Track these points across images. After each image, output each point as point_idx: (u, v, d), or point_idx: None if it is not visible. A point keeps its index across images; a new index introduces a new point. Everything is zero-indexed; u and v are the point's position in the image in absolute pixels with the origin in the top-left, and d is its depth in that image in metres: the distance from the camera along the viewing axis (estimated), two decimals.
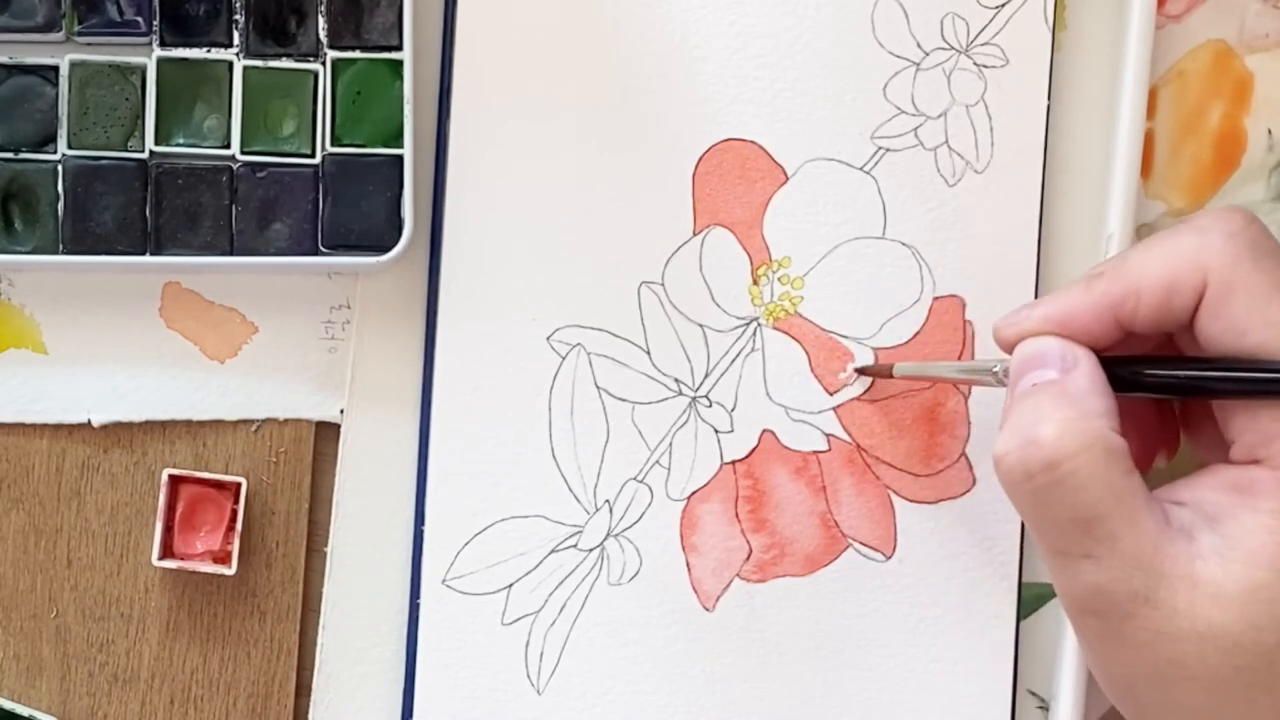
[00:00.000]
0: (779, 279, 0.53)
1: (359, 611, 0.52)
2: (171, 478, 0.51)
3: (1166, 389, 0.45)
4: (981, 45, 0.53)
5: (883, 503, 0.53)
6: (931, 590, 0.53)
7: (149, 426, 0.52)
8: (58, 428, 0.52)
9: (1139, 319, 0.45)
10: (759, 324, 0.53)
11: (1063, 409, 0.44)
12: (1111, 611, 0.43)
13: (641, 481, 0.52)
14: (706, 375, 0.53)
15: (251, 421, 0.53)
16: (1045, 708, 0.53)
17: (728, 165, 0.53)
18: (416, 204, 0.51)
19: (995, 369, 0.48)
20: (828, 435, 0.53)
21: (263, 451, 0.53)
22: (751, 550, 0.53)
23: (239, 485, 0.51)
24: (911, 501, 0.53)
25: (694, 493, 0.53)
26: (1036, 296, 0.53)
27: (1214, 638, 0.42)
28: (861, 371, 0.52)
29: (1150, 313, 0.45)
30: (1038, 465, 0.43)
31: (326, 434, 0.53)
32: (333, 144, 0.51)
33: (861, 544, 0.53)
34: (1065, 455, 0.43)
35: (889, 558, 0.53)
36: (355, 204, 0.51)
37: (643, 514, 0.52)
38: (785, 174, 0.53)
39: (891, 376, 0.52)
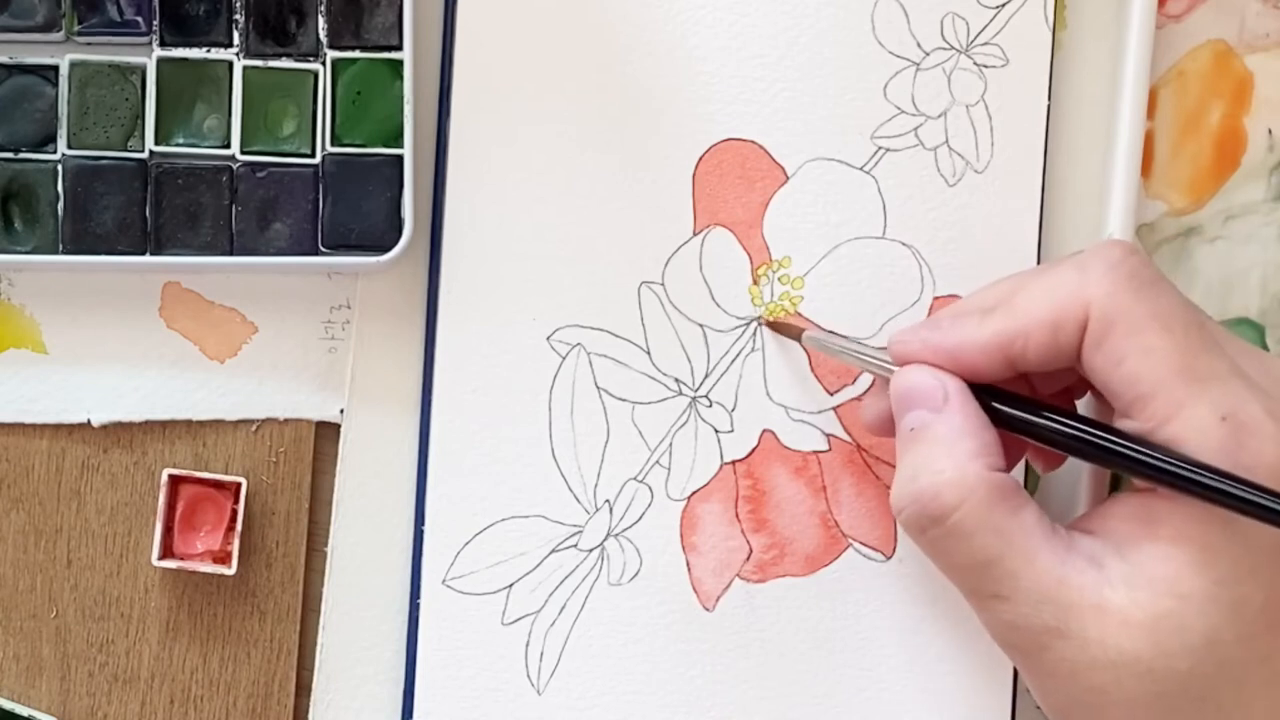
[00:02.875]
0: (779, 279, 0.53)
1: (359, 611, 0.52)
2: (171, 478, 0.51)
3: (1041, 438, 0.46)
4: (981, 45, 0.53)
5: (883, 503, 0.53)
6: (931, 590, 0.53)
7: (149, 426, 0.52)
8: (58, 428, 0.52)
9: (1029, 358, 0.45)
10: (759, 324, 0.53)
11: (939, 458, 0.45)
12: (1029, 645, 0.44)
13: (641, 481, 0.52)
14: (706, 375, 0.53)
15: (251, 421, 0.53)
16: None
17: (728, 165, 0.53)
18: (416, 204, 0.51)
19: (889, 366, 0.48)
20: (828, 435, 0.53)
21: (263, 451, 0.53)
22: (751, 550, 0.53)
23: (239, 485, 0.51)
24: None
25: (694, 493, 0.53)
26: None
27: (1126, 665, 0.43)
28: (770, 325, 0.52)
29: (1039, 351, 0.45)
30: (926, 521, 0.45)
31: (326, 434, 0.53)
32: (333, 144, 0.51)
33: (861, 544, 0.53)
34: (948, 509, 0.44)
35: (889, 558, 0.53)
36: (355, 204, 0.51)
37: (643, 514, 0.52)
38: (785, 174, 0.53)
39: (799, 341, 0.52)
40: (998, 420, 0.46)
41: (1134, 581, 0.43)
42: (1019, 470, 0.52)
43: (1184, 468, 0.42)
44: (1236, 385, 0.43)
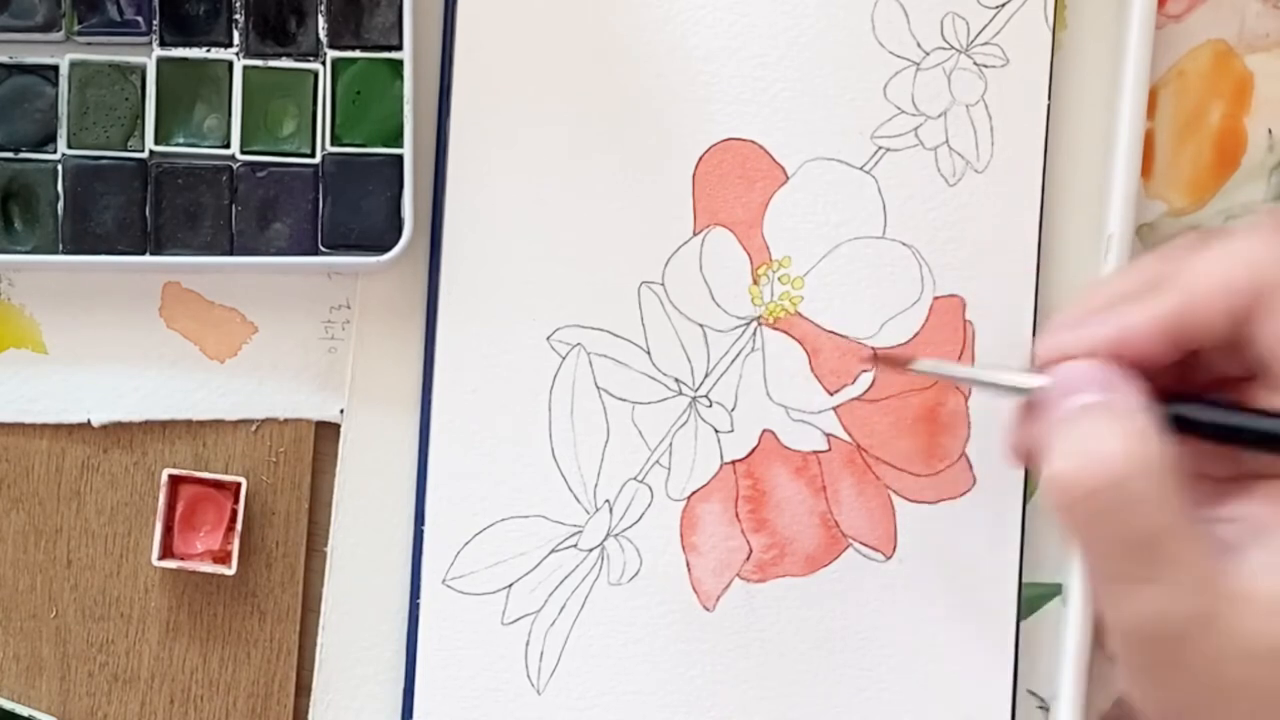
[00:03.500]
0: (779, 279, 0.53)
1: (359, 611, 0.52)
2: (171, 478, 0.51)
3: (1219, 435, 0.44)
4: (981, 45, 0.53)
5: (883, 503, 0.53)
6: (931, 590, 0.53)
7: (149, 426, 0.52)
8: (58, 428, 0.52)
9: (1198, 333, 0.44)
10: (759, 324, 0.53)
11: (1120, 425, 0.43)
12: (1170, 635, 0.42)
13: (641, 481, 0.52)
14: (706, 375, 0.53)
15: (251, 421, 0.53)
16: (1045, 708, 0.53)
17: (728, 165, 0.53)
18: (416, 204, 0.51)
19: (1020, 383, 0.46)
20: (828, 435, 0.53)
21: (263, 451, 0.53)
22: (751, 550, 0.53)
23: (239, 485, 0.51)
24: (911, 501, 0.53)
25: (694, 493, 0.53)
26: (1037, 297, 0.53)
27: (1274, 654, 0.41)
28: (876, 361, 0.52)
29: (1211, 323, 0.43)
30: (1103, 483, 0.42)
31: (326, 434, 0.53)
32: (333, 144, 0.51)
33: (861, 544, 0.53)
34: (1131, 472, 0.42)
35: (889, 558, 0.53)
36: (355, 204, 0.51)
37: (643, 514, 0.52)
38: (785, 174, 0.53)
39: (907, 370, 0.50)
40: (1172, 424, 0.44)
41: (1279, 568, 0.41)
42: (1018, 475, 0.52)
43: None
44: None
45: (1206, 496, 0.45)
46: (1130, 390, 0.44)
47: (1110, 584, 0.43)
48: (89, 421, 0.52)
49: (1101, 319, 0.45)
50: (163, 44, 0.51)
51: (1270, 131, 0.54)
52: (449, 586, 0.52)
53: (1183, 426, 0.44)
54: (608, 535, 0.52)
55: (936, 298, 0.53)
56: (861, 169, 0.53)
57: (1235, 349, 0.45)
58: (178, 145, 0.51)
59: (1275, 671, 0.41)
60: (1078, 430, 0.43)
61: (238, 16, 0.51)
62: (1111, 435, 0.42)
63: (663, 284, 0.53)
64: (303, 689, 0.53)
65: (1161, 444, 0.42)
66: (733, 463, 0.53)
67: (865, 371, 0.53)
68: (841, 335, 0.53)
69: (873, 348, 0.52)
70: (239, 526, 0.51)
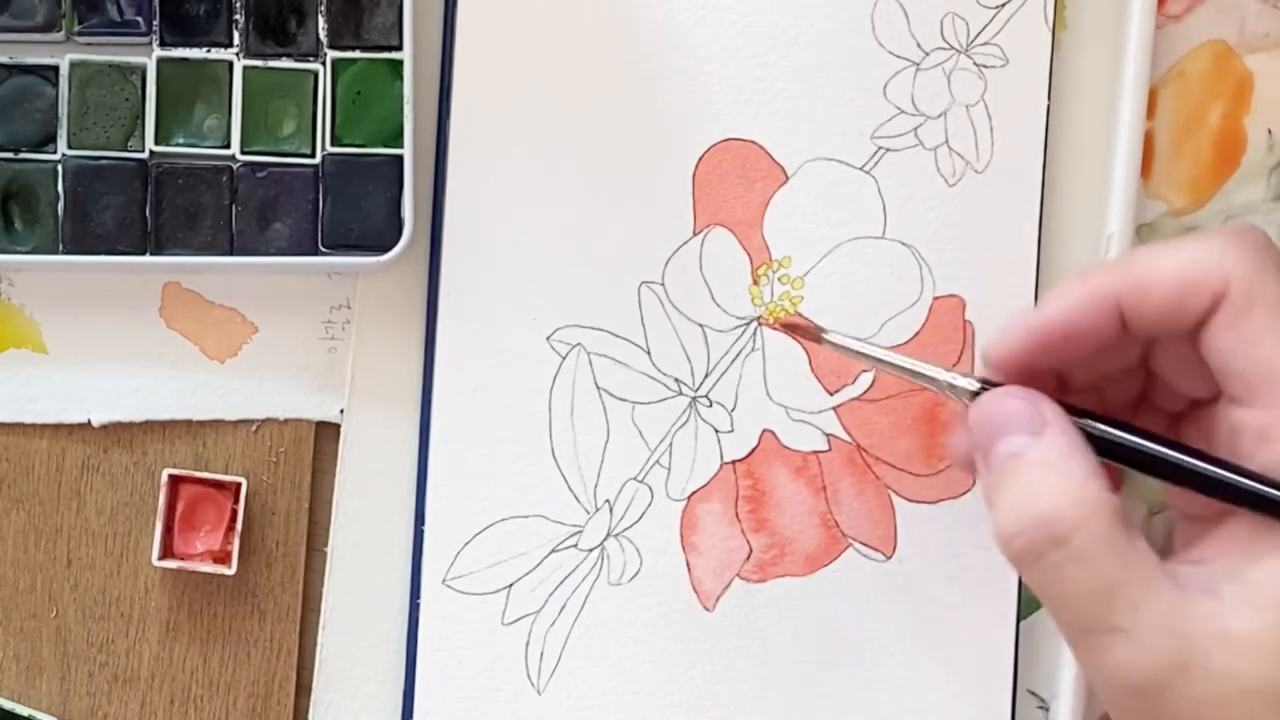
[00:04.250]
0: (779, 279, 0.53)
1: (359, 611, 0.52)
2: (171, 478, 0.51)
3: (1146, 467, 0.44)
4: (981, 45, 0.53)
5: (883, 503, 0.53)
6: (931, 590, 0.53)
7: (149, 426, 0.52)
8: (58, 428, 0.52)
9: (1146, 314, 0.43)
10: (759, 324, 0.53)
11: (1055, 480, 0.42)
12: (1149, 685, 0.41)
13: (641, 481, 0.52)
14: (706, 375, 0.53)
15: (251, 421, 0.53)
16: (1045, 708, 0.53)
17: (728, 165, 0.53)
18: (416, 204, 0.51)
19: (944, 379, 0.47)
20: (828, 435, 0.53)
21: (263, 451, 0.53)
22: (751, 550, 0.53)
23: (239, 485, 0.51)
24: (911, 501, 0.53)
25: (694, 492, 0.53)
26: (1036, 297, 0.53)
27: (1259, 693, 0.40)
28: (784, 327, 0.51)
29: (1159, 310, 0.43)
30: (1047, 544, 0.42)
31: (326, 434, 0.53)
32: (333, 144, 0.51)
33: (861, 544, 0.53)
34: (1071, 528, 0.41)
35: (889, 558, 0.53)
36: (355, 204, 0.51)
37: (643, 514, 0.52)
38: (785, 174, 0.53)
39: (819, 342, 0.50)
40: (1102, 451, 0.43)
41: (1255, 603, 0.41)
42: None
43: None
44: None
45: (1186, 537, 0.45)
46: (1062, 430, 0.43)
47: (1079, 638, 0.43)
48: (89, 421, 0.52)
49: (1045, 304, 0.45)
50: (163, 44, 0.51)
51: (1270, 131, 0.54)
52: (449, 586, 0.52)
53: (1104, 451, 0.43)
54: (608, 535, 0.52)
55: (936, 298, 0.53)
56: (861, 169, 0.53)
57: (1195, 363, 0.45)
58: (178, 145, 0.51)
59: (1264, 707, 0.41)
60: (1015, 486, 0.43)
61: (238, 16, 0.51)
62: (1050, 492, 0.42)
63: (663, 284, 0.53)
64: (303, 689, 0.53)
65: (1101, 490, 0.42)
66: (733, 463, 0.53)
67: (865, 371, 0.53)
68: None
69: (785, 319, 0.52)
70: (239, 526, 0.51)
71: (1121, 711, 0.43)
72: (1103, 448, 0.44)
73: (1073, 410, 0.44)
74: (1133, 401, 0.48)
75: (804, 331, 0.51)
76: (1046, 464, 0.43)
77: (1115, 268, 0.44)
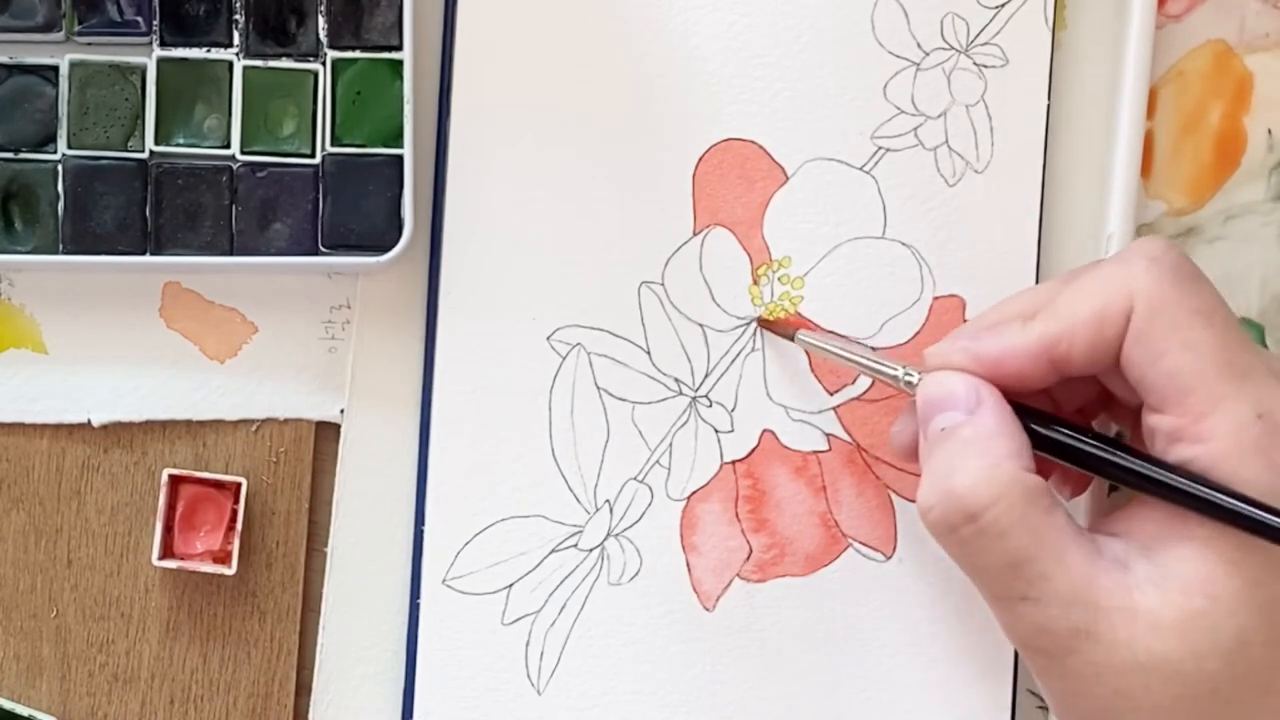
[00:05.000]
0: (779, 279, 0.53)
1: (359, 611, 0.52)
2: (171, 478, 0.51)
3: (1073, 458, 0.46)
4: (981, 45, 0.53)
5: (883, 503, 0.53)
6: (931, 590, 0.53)
7: (149, 426, 0.52)
8: (58, 428, 0.52)
9: (1075, 357, 0.45)
10: (755, 324, 0.53)
11: (974, 457, 0.44)
12: (1055, 649, 0.44)
13: (641, 481, 0.52)
14: (706, 375, 0.53)
15: (251, 421, 0.53)
16: (1045, 708, 0.53)
17: (728, 165, 0.53)
18: (416, 204, 0.51)
19: (899, 372, 0.48)
20: (828, 435, 0.53)
21: (263, 451, 0.53)
22: (751, 550, 0.53)
23: (239, 485, 0.51)
24: (911, 501, 0.53)
25: (694, 492, 0.53)
26: None
27: (1156, 668, 0.42)
28: (764, 324, 0.52)
29: (1085, 348, 0.45)
30: (959, 518, 0.44)
31: (326, 434, 0.53)
32: (333, 144, 0.51)
33: (861, 544, 0.53)
34: (982, 505, 0.43)
35: (889, 558, 0.53)
36: (355, 204, 0.51)
37: (643, 514, 0.52)
38: (785, 174, 0.53)
39: (792, 340, 0.51)
40: (1036, 444, 0.45)
41: (1163, 583, 0.43)
42: None
43: (1221, 499, 0.42)
44: (1273, 384, 0.43)
45: (1103, 513, 0.46)
46: (993, 411, 0.45)
47: (995, 601, 0.45)
48: (89, 421, 0.52)
49: (987, 336, 0.46)
50: (163, 44, 0.51)
51: (1270, 131, 0.54)
52: (449, 586, 0.52)
53: (1044, 448, 0.46)
54: (608, 535, 0.52)
55: (936, 298, 0.53)
56: (861, 169, 0.53)
57: (1085, 389, 0.48)
58: (178, 145, 0.51)
59: (1160, 683, 0.42)
60: (938, 460, 0.45)
61: (238, 16, 0.51)
62: (967, 469, 0.44)
63: (663, 284, 0.53)
64: (303, 689, 0.53)
65: (1019, 466, 0.44)
66: (733, 463, 0.53)
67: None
68: (841, 335, 0.53)
69: (759, 318, 0.52)
70: (239, 526, 0.51)
71: (1036, 670, 0.45)
72: (1040, 443, 0.45)
73: (1016, 408, 0.46)
74: (1093, 404, 0.49)
75: (779, 328, 0.52)
76: (970, 441, 0.45)
77: (1045, 318, 0.46)
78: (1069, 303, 0.45)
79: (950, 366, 0.46)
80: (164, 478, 0.51)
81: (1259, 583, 0.43)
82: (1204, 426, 0.43)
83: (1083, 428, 0.46)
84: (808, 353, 0.53)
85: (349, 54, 0.51)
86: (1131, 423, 0.48)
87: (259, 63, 0.51)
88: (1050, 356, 0.45)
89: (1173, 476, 0.43)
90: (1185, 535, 0.43)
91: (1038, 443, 0.45)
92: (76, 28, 0.51)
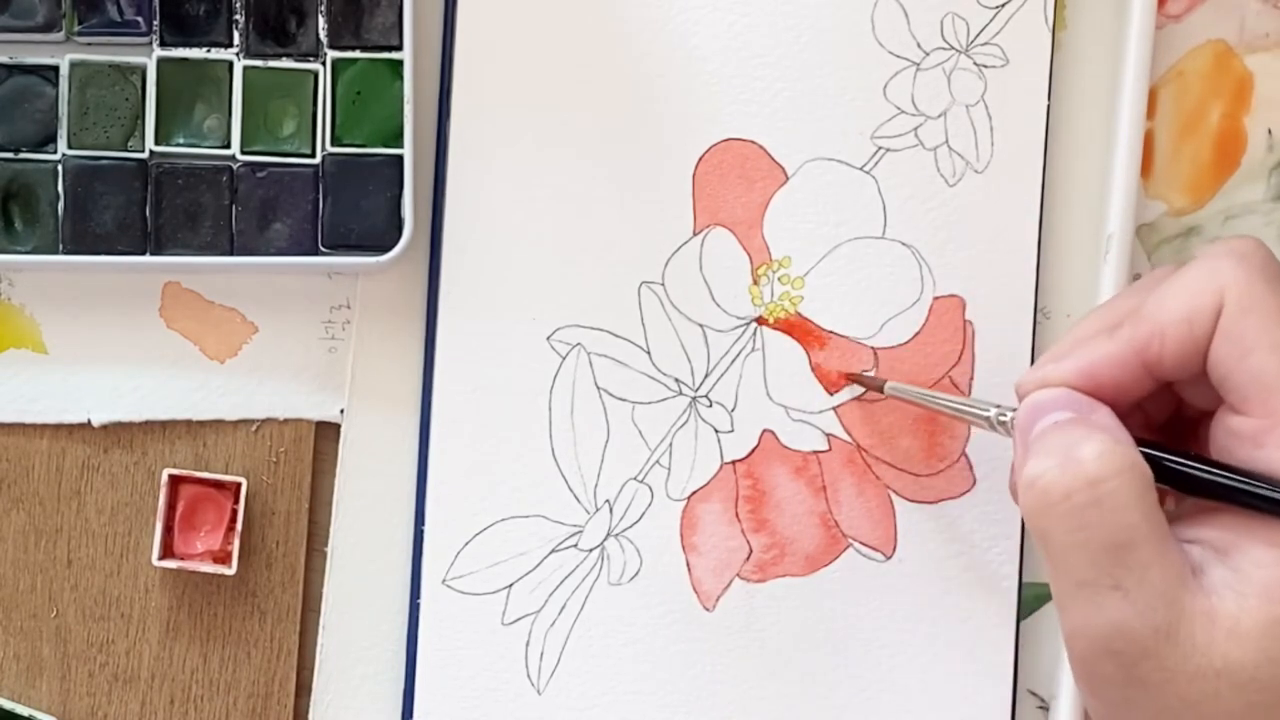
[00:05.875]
0: (779, 279, 0.53)
1: (359, 611, 0.52)
2: (171, 478, 0.51)
3: (1183, 484, 0.45)
4: (981, 45, 0.53)
5: (883, 503, 0.53)
6: (931, 590, 0.53)
7: (149, 426, 0.52)
8: (58, 428, 0.52)
9: (1166, 359, 0.44)
10: (758, 324, 0.53)
11: (1100, 432, 0.43)
12: (1130, 650, 0.42)
13: (641, 481, 0.52)
14: (706, 375, 0.53)
15: (251, 421, 0.53)
16: (1045, 708, 0.53)
17: (728, 165, 0.53)
18: (416, 204, 0.51)
19: (991, 414, 0.47)
20: (828, 435, 0.53)
21: (263, 451, 0.53)
22: (751, 550, 0.53)
23: (239, 485, 0.51)
24: (911, 501, 0.53)
25: (694, 493, 0.53)
26: (1037, 297, 0.53)
27: (1229, 674, 0.41)
28: (853, 379, 0.52)
29: (1176, 349, 0.44)
30: (1079, 482, 0.42)
31: (326, 434, 0.53)
32: (333, 144, 0.51)
33: (861, 544, 0.53)
34: (1108, 473, 0.42)
35: (889, 558, 0.53)
36: (355, 204, 0.51)
37: (643, 514, 0.52)
38: (785, 174, 0.53)
39: (882, 392, 0.51)
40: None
41: (1241, 588, 0.42)
42: None
43: None
44: None
45: (1172, 518, 0.45)
46: (1102, 411, 0.44)
47: (1077, 590, 0.43)
48: (89, 421, 0.52)
49: (1073, 353, 0.46)
50: (163, 44, 0.51)
51: (1270, 131, 0.54)
52: (449, 586, 0.52)
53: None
54: (608, 535, 0.52)
55: (936, 298, 0.53)
56: (861, 169, 0.53)
57: (1169, 399, 0.47)
58: (178, 145, 0.51)
59: (1231, 690, 0.41)
60: (1054, 438, 0.44)
61: (238, 17, 0.51)
62: (1089, 440, 0.43)
63: (663, 284, 0.53)
64: (303, 689, 0.53)
65: (1139, 458, 0.43)
66: (733, 463, 0.53)
67: (865, 371, 0.53)
68: (841, 335, 0.53)
69: (846, 374, 0.52)
70: (239, 526, 0.51)
71: (1090, 674, 0.44)
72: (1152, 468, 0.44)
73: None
74: (1169, 415, 0.49)
75: (868, 383, 0.52)
76: (1094, 424, 0.44)
77: (1133, 323, 0.45)
78: (1158, 304, 0.44)
79: (1048, 384, 0.45)
80: (164, 478, 0.51)
81: None
82: None
83: (1189, 454, 0.45)
84: (808, 353, 0.53)
85: (349, 54, 0.51)
86: (1187, 430, 0.47)
87: (259, 63, 0.51)
88: (1143, 360, 0.45)
89: (1260, 485, 0.42)
90: (1260, 539, 0.42)
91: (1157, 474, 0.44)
92: (76, 28, 0.51)
